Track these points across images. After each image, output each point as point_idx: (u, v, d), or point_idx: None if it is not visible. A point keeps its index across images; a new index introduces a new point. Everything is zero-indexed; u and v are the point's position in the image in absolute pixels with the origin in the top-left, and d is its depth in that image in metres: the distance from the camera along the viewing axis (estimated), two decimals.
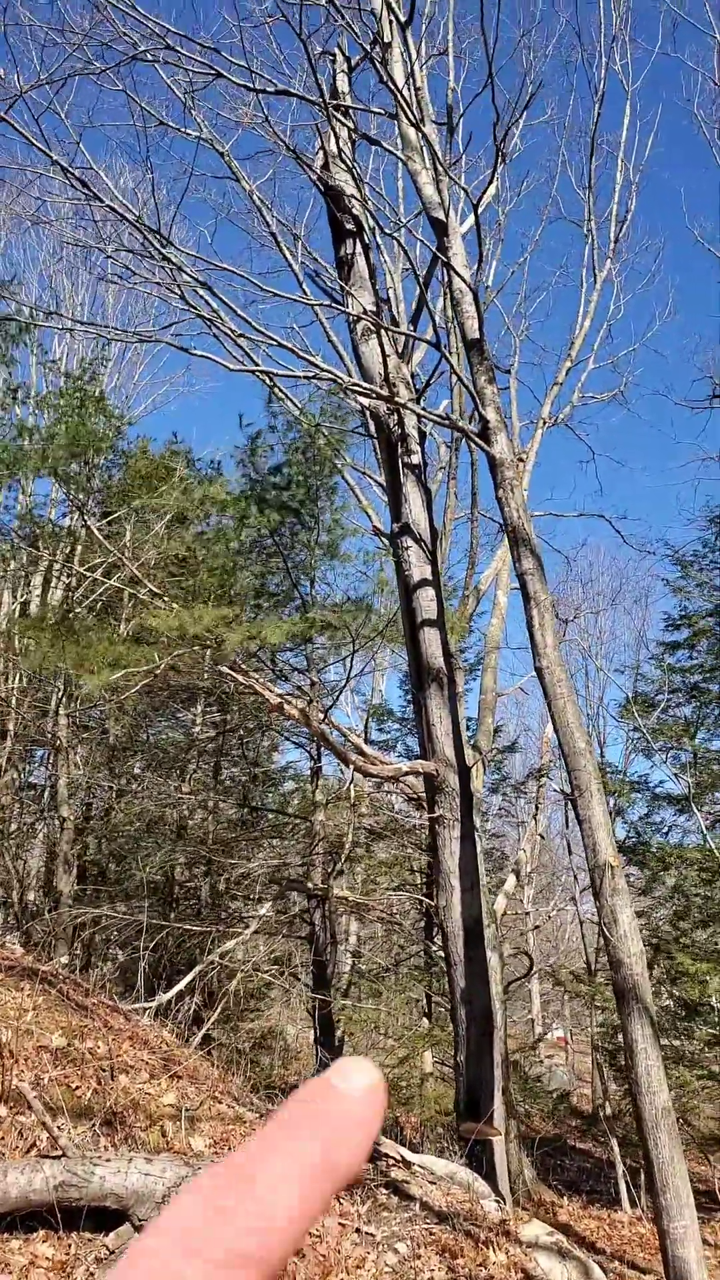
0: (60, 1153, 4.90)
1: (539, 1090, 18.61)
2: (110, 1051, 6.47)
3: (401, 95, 7.99)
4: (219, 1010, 9.91)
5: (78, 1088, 5.98)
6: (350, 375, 9.03)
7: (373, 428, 9.94)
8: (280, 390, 11.75)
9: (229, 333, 7.71)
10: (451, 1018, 8.78)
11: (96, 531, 14.51)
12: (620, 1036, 9.16)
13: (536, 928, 25.10)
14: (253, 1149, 0.28)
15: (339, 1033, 13.92)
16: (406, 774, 7.97)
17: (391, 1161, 6.82)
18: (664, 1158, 6.40)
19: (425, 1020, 15.41)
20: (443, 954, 10.49)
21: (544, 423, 15.39)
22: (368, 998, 16.31)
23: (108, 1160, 5.00)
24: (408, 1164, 6.93)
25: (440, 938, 8.93)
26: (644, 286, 24.96)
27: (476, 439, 7.56)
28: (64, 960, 9.03)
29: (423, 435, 8.86)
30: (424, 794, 8.96)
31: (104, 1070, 6.23)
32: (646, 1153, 6.56)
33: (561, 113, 15.71)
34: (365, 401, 8.64)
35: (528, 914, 24.65)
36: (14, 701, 15.45)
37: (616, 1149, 14.89)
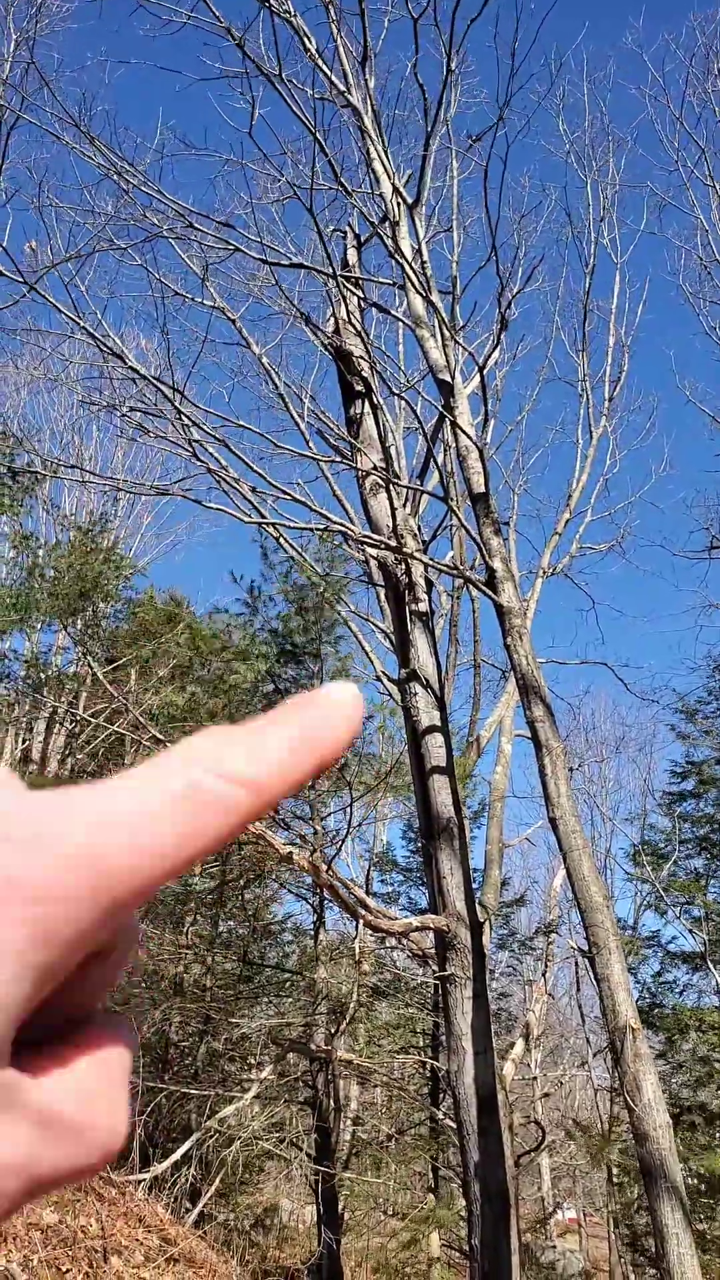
0: None
1: None
2: (103, 1230, 6.07)
3: (410, 268, 8.52)
4: (216, 1183, 9.31)
5: (68, 1270, 5.57)
6: (356, 528, 9.30)
7: (378, 577, 10.15)
8: (286, 541, 12.05)
9: (237, 487, 7.99)
10: (464, 1194, 8.25)
11: (101, 677, 14.62)
12: (646, 1217, 8.59)
13: (546, 1095, 23.89)
14: (244, 726, 0.32)
15: (342, 1210, 13.05)
16: (418, 929, 7.75)
17: None
18: None
19: (431, 1196, 14.46)
20: (452, 1123, 9.94)
21: (544, 572, 15.71)
22: (369, 1169, 15.37)
23: None
24: None
25: (451, 1105, 8.49)
26: (639, 442, 25.94)
27: (484, 588, 7.71)
28: None
29: (429, 584, 9.03)
30: (431, 950, 8.68)
31: (96, 1251, 5.82)
32: None
33: (554, 281, 16.63)
34: (374, 552, 8.84)
35: (535, 1079, 23.51)
36: None
37: None
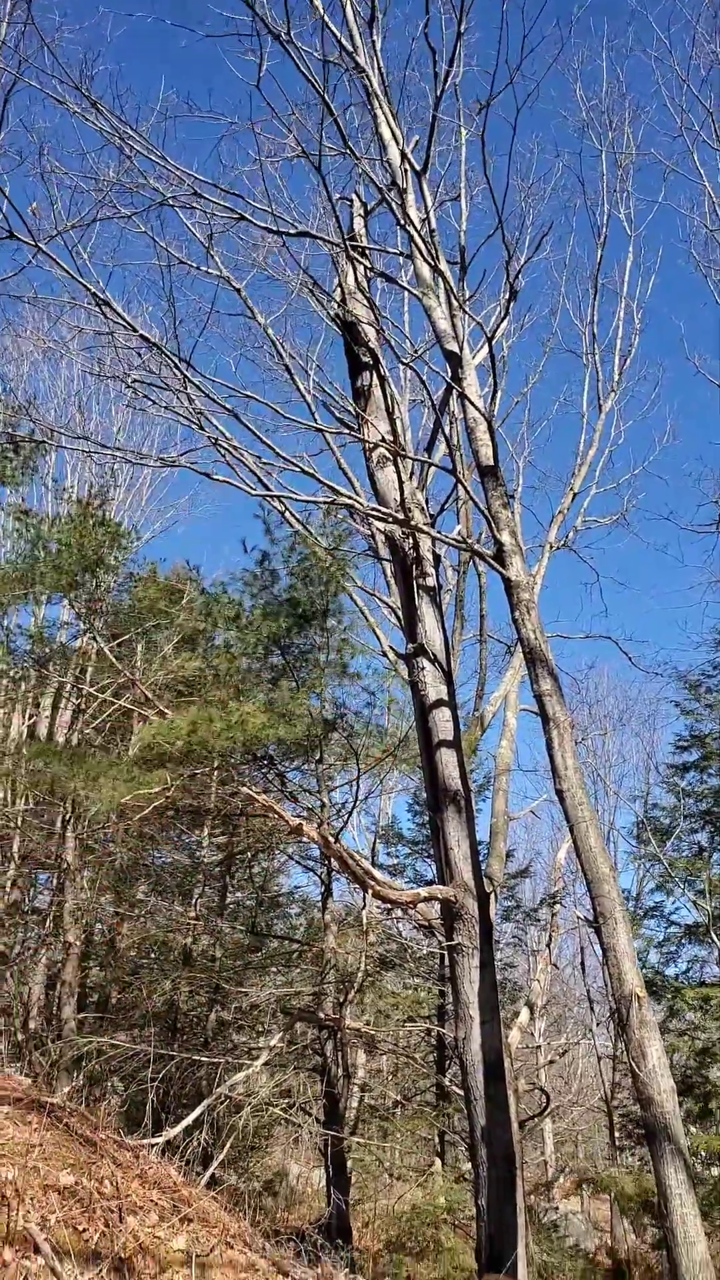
0: None
1: (558, 1240, 17.56)
2: (119, 1191, 6.19)
3: (418, 236, 8.46)
4: (227, 1147, 9.48)
5: (84, 1229, 5.69)
6: (364, 502, 9.30)
7: (384, 551, 10.16)
8: (291, 514, 12.04)
9: (242, 459, 7.96)
10: (471, 1158, 8.39)
11: (107, 651, 14.66)
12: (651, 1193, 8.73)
13: (550, 1062, 24.17)
14: None
15: (348, 1171, 13.26)
16: (426, 899, 7.84)
17: None
18: None
19: (438, 1160, 14.68)
20: (459, 1089, 10.08)
21: (550, 547, 15.68)
22: (376, 1135, 15.59)
23: None
24: None
25: (459, 1072, 8.62)
26: (644, 413, 25.76)
27: (492, 561, 7.72)
28: (67, 1092, 8.70)
29: (437, 558, 9.05)
30: (438, 920, 8.78)
31: (112, 1211, 5.94)
32: None
33: (561, 251, 16.45)
34: (381, 526, 8.85)
35: (538, 1048, 23.78)
36: (20, 823, 15.30)
37: None
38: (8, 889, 15.28)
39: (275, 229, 8.42)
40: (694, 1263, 6.12)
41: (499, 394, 8.86)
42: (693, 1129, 14.06)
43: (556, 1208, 24.30)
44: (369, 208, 9.58)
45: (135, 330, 7.12)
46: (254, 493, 8.10)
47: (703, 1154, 13.02)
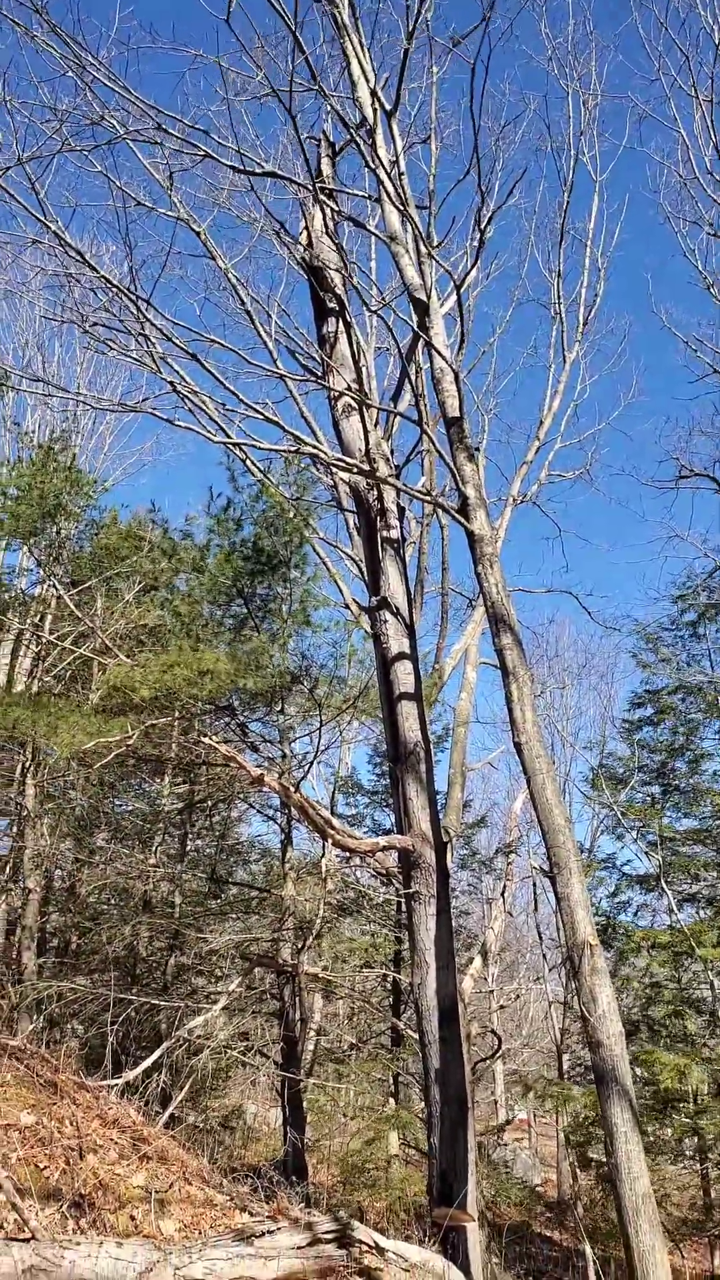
0: (30, 1235, 4.73)
1: (506, 1176, 18.14)
2: (79, 1130, 6.29)
3: (387, 179, 8.31)
4: (186, 1088, 9.65)
5: (45, 1168, 5.80)
6: (328, 451, 9.23)
7: (348, 502, 10.10)
8: (253, 463, 11.93)
9: (203, 407, 7.83)
10: (425, 1098, 8.61)
11: (67, 599, 14.52)
12: (597, 1125, 9.02)
13: (502, 1007, 24.74)
14: None
15: (303, 1111, 13.55)
16: (385, 848, 7.94)
17: (365, 1248, 6.62)
18: (645, 1245, 6.27)
19: (391, 1101, 15.05)
20: (414, 1033, 10.31)
21: (514, 500, 15.71)
22: (332, 1077, 15.94)
23: (78, 1244, 4.83)
24: (381, 1251, 6.72)
25: (414, 1016, 8.80)
26: (610, 367, 25.73)
27: (456, 515, 7.72)
28: (26, 1034, 8.79)
29: (401, 511, 9.03)
30: (395, 869, 8.90)
31: (73, 1150, 6.05)
32: (626, 1240, 6.41)
33: (530, 198, 16.25)
34: (346, 477, 8.80)
35: (492, 992, 24.31)
36: None
37: (586, 1239, 14.51)
38: None
39: (239, 168, 8.22)
40: (637, 1195, 6.37)
41: (466, 344, 8.81)
42: (637, 1068, 14.51)
43: (505, 1143, 25.09)
44: (337, 148, 9.37)
45: (94, 270, 6.95)
46: (215, 439, 7.99)
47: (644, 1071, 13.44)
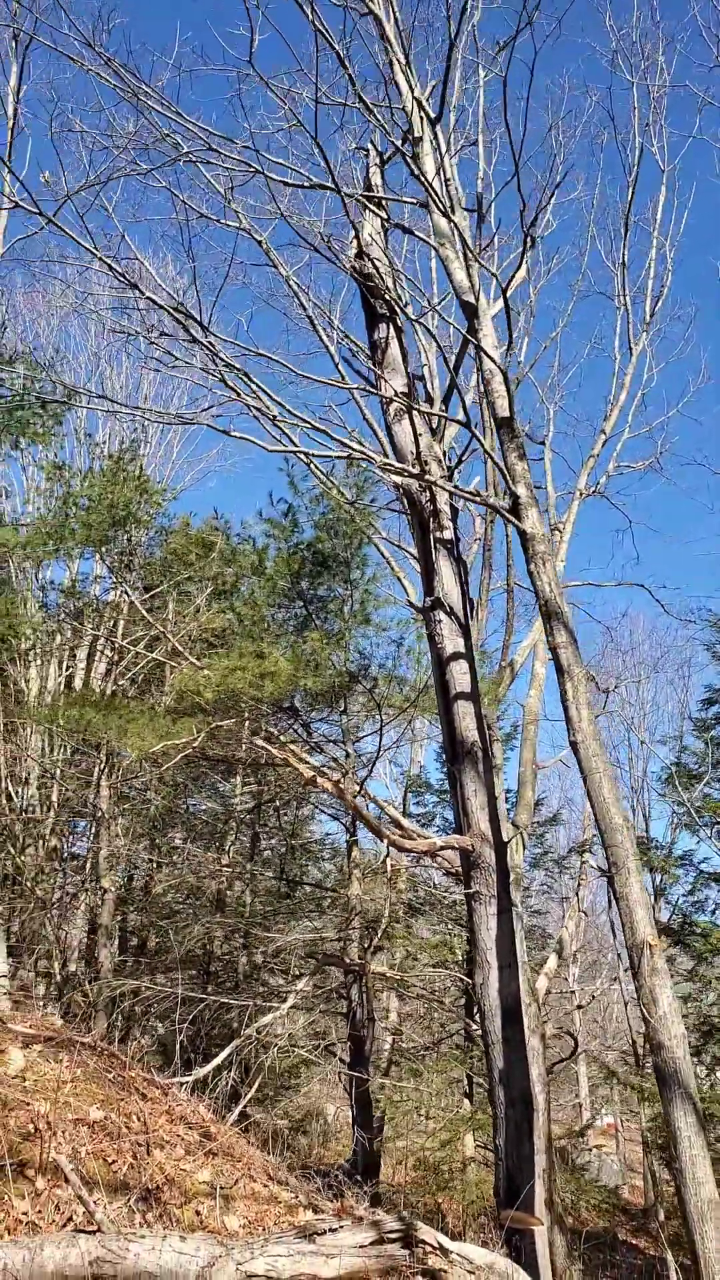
0: (96, 1228, 4.89)
1: (587, 1181, 17.97)
2: (147, 1126, 6.46)
3: (432, 187, 8.34)
4: (256, 1086, 9.82)
5: (113, 1162, 5.97)
6: (385, 451, 9.29)
7: (402, 504, 10.17)
8: (316, 467, 12.05)
9: (266, 414, 7.97)
10: (490, 1099, 8.61)
11: (139, 605, 14.87)
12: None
13: (580, 1007, 24.49)
14: None
15: (378, 1113, 13.63)
16: (441, 849, 7.97)
17: (429, 1249, 6.65)
18: (711, 1252, 6.19)
19: (466, 1101, 15.04)
20: (480, 1033, 10.32)
21: (580, 494, 15.55)
22: (408, 1077, 15.99)
23: (142, 1237, 4.96)
24: (445, 1252, 6.75)
25: (478, 1016, 8.82)
26: (678, 354, 25.21)
27: (508, 515, 7.71)
28: (98, 1031, 9.04)
29: (455, 511, 9.04)
30: (458, 869, 8.93)
31: (140, 1145, 6.22)
32: (692, 1247, 6.34)
33: (590, 190, 15.99)
34: (399, 480, 8.85)
35: (573, 993, 24.09)
36: (59, 773, 15.67)
37: (668, 1247, 14.32)
38: (47, 836, 15.71)
39: (289, 182, 8.35)
40: (703, 1201, 6.28)
41: (524, 342, 8.79)
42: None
43: (591, 1149, 24.78)
44: (385, 157, 9.42)
45: (155, 301, 7.12)
46: (272, 449, 8.11)
47: None
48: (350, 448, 7.40)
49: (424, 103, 8.59)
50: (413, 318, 8.36)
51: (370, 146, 9.39)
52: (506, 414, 8.02)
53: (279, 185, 9.12)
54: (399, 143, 8.49)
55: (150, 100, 8.18)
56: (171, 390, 21.41)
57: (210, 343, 7.17)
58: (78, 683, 17.66)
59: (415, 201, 9.24)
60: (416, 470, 7.87)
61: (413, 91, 8.65)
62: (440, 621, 8.34)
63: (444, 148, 8.54)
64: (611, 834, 7.00)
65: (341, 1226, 6.09)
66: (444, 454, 9.01)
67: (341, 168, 11.72)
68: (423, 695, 12.32)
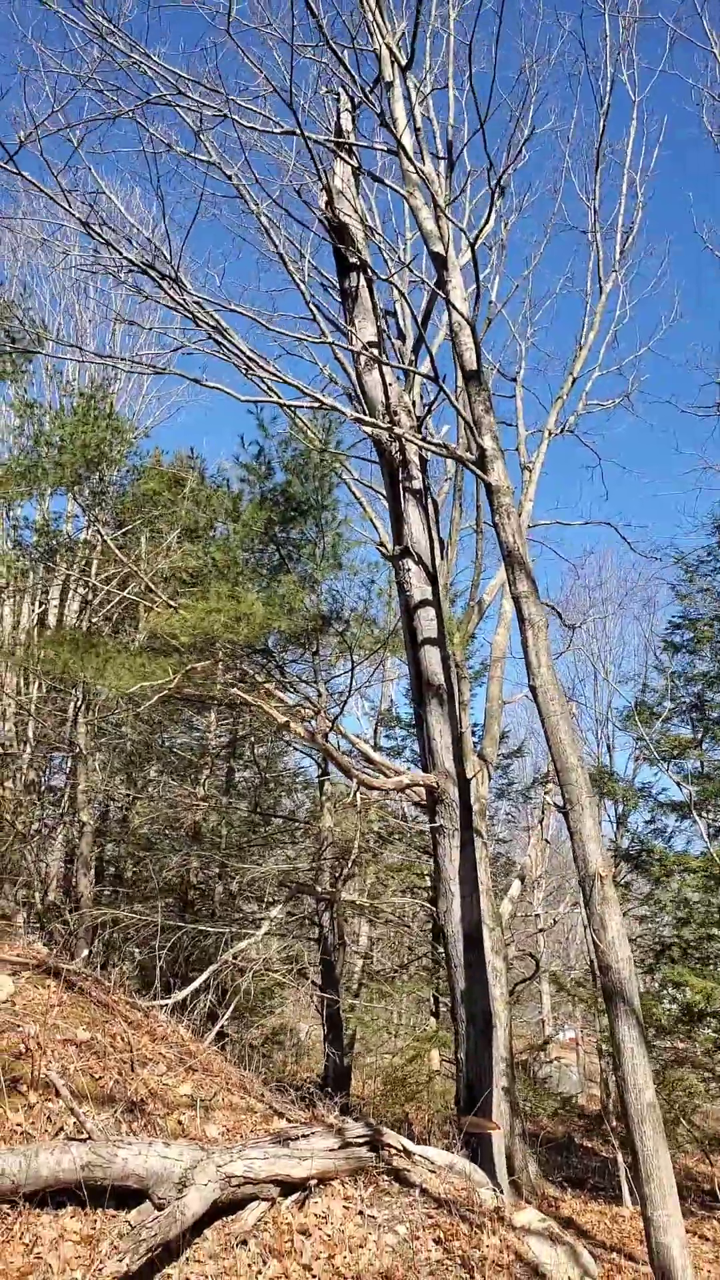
0: (86, 1136, 5.34)
1: (547, 1091, 18.95)
2: (131, 1045, 6.92)
3: (401, 137, 8.40)
4: (232, 1008, 10.36)
5: (100, 1078, 6.42)
6: (355, 391, 9.46)
7: (371, 453, 10.37)
8: (288, 410, 12.14)
9: (233, 359, 8.08)
10: (452, 1017, 9.19)
11: (111, 544, 15.01)
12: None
13: (543, 930, 25.44)
14: None
15: (348, 1031, 14.31)
16: (409, 786, 8.38)
17: (393, 1151, 7.22)
18: (649, 1150, 6.79)
19: (433, 1020, 15.80)
20: (444, 957, 10.90)
21: (550, 433, 15.71)
22: (377, 998, 16.72)
23: (129, 1144, 5.43)
24: (409, 1154, 7.33)
25: (442, 942, 9.34)
26: (650, 290, 25.18)
27: (474, 467, 7.97)
28: (82, 958, 9.49)
29: (424, 460, 9.27)
30: (424, 803, 9.37)
31: (125, 1062, 6.67)
32: (633, 1146, 6.95)
33: (564, 122, 15.88)
34: (369, 430, 9.05)
35: (537, 917, 24.99)
36: (34, 709, 15.95)
37: (619, 1148, 15.22)
38: (24, 769, 16.05)
39: (258, 127, 8.37)
40: (643, 1105, 6.87)
41: (496, 280, 8.91)
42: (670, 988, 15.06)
43: (553, 1061, 25.98)
44: (356, 102, 9.40)
45: (123, 255, 7.20)
46: (244, 399, 8.28)
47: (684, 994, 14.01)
48: (321, 401, 7.59)
49: (394, 48, 8.59)
50: (383, 277, 8.45)
51: (341, 91, 9.36)
52: (474, 367, 8.22)
53: (250, 131, 9.13)
54: (368, 90, 8.50)
55: (116, 41, 8.13)
56: (141, 331, 21.19)
57: (185, 300, 7.28)
58: (51, 620, 17.84)
59: (386, 149, 9.28)
60: (387, 423, 8.08)
61: (383, 35, 8.64)
62: (409, 570, 8.64)
63: (414, 99, 8.57)
64: (567, 773, 7.43)
65: (313, 1132, 6.63)
66: (414, 403, 9.20)
67: (310, 110, 11.67)
68: (393, 637, 12.64)
